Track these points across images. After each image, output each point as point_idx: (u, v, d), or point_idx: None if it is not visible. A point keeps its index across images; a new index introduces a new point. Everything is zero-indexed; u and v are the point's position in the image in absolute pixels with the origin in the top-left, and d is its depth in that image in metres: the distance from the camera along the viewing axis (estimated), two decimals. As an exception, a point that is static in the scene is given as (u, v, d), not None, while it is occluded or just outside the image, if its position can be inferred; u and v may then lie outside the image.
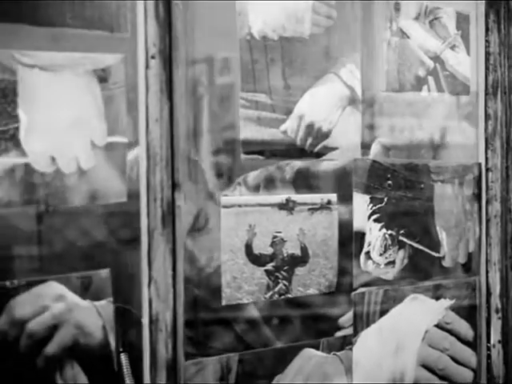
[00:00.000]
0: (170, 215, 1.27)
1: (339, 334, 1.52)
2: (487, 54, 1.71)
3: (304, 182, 1.50)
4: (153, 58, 1.26)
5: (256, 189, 1.45)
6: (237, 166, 1.43)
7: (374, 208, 1.56)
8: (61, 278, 1.21)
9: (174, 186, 1.28)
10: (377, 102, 1.58)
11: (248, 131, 1.40)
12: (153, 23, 1.26)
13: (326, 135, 1.49)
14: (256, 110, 1.41)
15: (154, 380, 1.27)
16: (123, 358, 1.28)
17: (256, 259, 1.42)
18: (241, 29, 1.39)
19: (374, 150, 1.59)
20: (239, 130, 1.39)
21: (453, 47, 1.67)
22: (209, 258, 1.38)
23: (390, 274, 1.59)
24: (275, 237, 1.44)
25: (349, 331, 1.53)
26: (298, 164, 1.50)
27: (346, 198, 1.52)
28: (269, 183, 1.47)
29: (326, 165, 1.52)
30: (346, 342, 1.53)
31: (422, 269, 1.64)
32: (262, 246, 1.43)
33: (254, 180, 1.45)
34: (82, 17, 1.21)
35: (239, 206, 1.40)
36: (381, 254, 1.57)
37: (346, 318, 1.53)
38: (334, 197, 1.51)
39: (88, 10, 1.22)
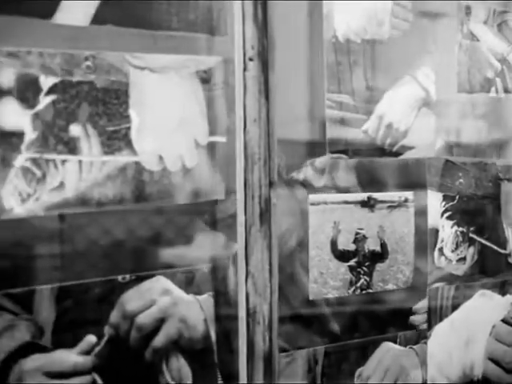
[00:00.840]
0: (267, 212, 1.32)
1: (413, 318, 1.57)
2: (550, 56, 1.76)
3: (366, 168, 1.53)
4: (251, 60, 1.30)
5: (321, 172, 1.48)
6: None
7: (447, 206, 1.61)
8: (167, 272, 1.25)
9: (270, 184, 1.32)
10: (449, 103, 1.62)
11: (333, 131, 1.45)
12: (250, 25, 1.30)
13: (404, 135, 1.54)
14: (340, 111, 1.46)
15: (250, 371, 1.32)
16: None
17: (340, 255, 1.46)
18: (327, 31, 1.43)
19: (438, 148, 1.63)
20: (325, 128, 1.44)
21: (518, 49, 1.72)
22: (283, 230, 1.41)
23: (461, 269, 1.64)
24: (358, 233, 1.48)
25: (422, 318, 1.58)
26: None
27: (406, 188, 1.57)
28: (333, 168, 1.50)
29: None
30: (422, 336, 1.58)
31: (489, 265, 1.69)
32: (345, 243, 1.47)
33: (320, 164, 1.48)
34: (186, 20, 1.26)
35: (325, 203, 1.44)
36: (453, 251, 1.62)
37: (421, 305, 1.57)
38: (410, 195, 1.55)
39: (192, 13, 1.26)
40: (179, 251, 1.29)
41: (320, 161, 1.48)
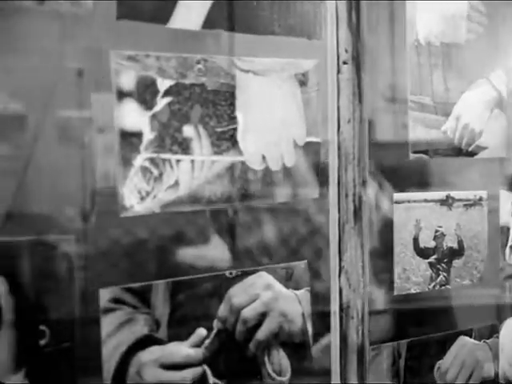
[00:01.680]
0: (360, 210, 1.36)
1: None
2: None
3: None
4: (345, 63, 1.35)
5: None
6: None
7: (517, 204, 1.66)
8: (269, 268, 1.30)
9: (363, 183, 1.37)
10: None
11: (416, 132, 1.49)
12: (344, 29, 1.35)
13: (479, 135, 1.59)
14: (421, 112, 1.50)
15: (343, 363, 1.36)
16: None
17: (421, 252, 1.51)
18: (410, 35, 1.48)
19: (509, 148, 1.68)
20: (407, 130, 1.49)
21: None
22: None
23: (530, 266, 1.69)
24: (437, 231, 1.53)
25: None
26: None
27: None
28: None
29: None
30: (494, 330, 1.63)
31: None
32: (426, 240, 1.52)
33: None
34: (286, 25, 1.30)
35: (408, 201, 1.49)
36: (522, 248, 1.67)
37: None
38: (484, 193, 1.60)
39: (291, 19, 1.31)
40: (279, 248, 1.33)
41: None
